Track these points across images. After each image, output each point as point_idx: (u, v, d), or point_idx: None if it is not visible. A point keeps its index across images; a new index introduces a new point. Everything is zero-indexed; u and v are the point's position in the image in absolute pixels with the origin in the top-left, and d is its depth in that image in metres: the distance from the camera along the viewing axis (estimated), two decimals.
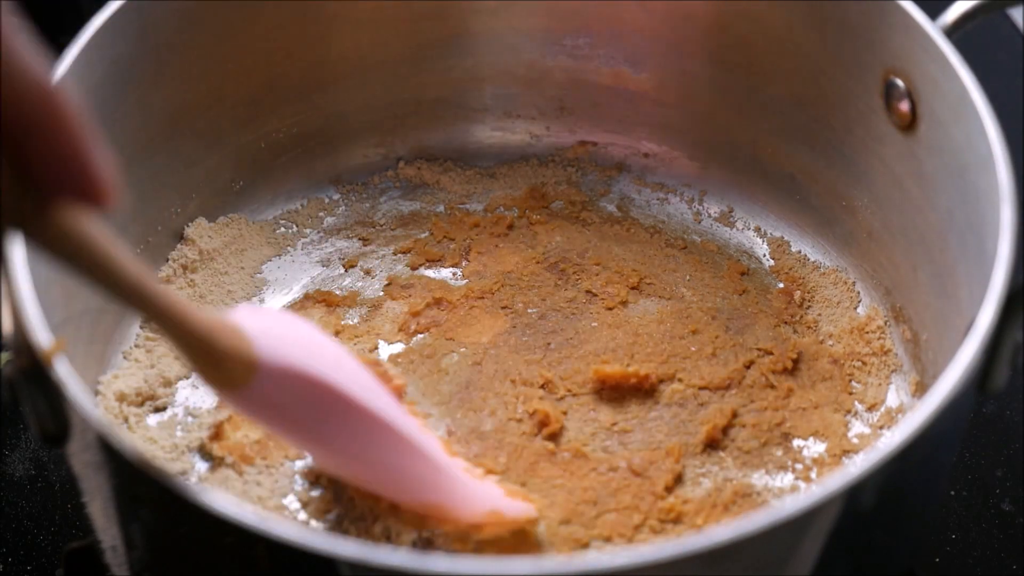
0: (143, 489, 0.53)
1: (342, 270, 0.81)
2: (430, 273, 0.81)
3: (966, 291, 0.64)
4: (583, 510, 0.68)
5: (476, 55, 0.85)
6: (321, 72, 0.82)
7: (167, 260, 0.79)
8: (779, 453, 0.71)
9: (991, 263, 0.58)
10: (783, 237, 0.83)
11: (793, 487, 0.69)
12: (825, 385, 0.74)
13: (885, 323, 0.77)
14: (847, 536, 0.54)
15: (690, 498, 0.68)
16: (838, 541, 0.53)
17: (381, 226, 0.84)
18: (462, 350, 0.76)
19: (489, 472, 0.69)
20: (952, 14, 0.68)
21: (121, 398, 0.71)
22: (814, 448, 0.71)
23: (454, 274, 0.81)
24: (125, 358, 0.74)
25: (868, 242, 0.78)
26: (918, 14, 0.69)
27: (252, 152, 0.83)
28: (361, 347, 0.76)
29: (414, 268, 0.81)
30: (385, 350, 0.76)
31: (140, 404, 0.72)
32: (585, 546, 0.66)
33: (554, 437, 0.71)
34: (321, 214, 0.84)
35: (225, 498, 0.50)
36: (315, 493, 0.68)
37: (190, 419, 0.72)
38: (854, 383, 0.75)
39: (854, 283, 0.80)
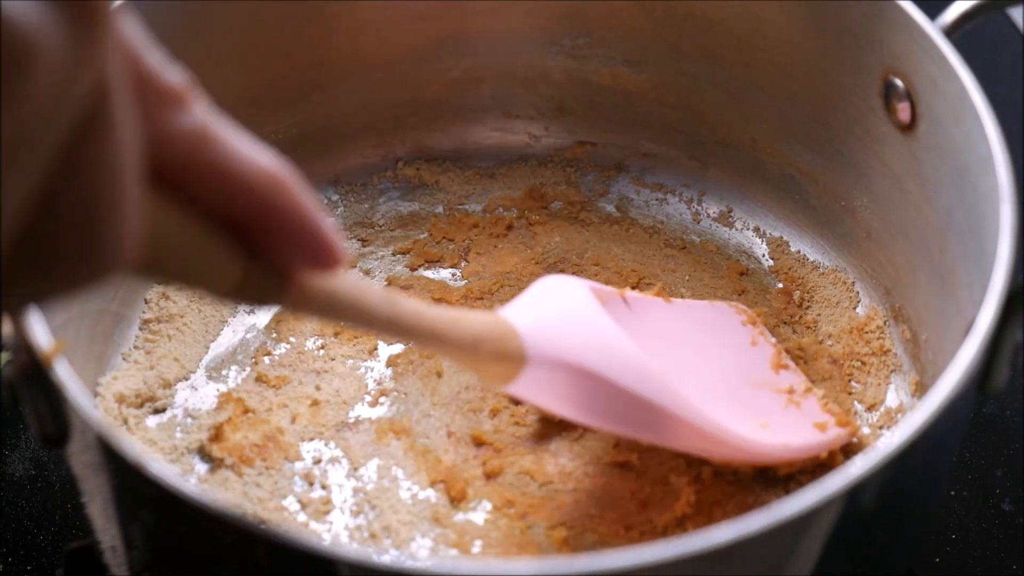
0: (143, 490, 0.53)
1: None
2: (429, 274, 0.81)
3: (966, 291, 0.64)
4: (583, 510, 0.68)
5: (475, 55, 0.85)
6: (320, 72, 0.82)
7: None
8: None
9: (991, 263, 0.58)
10: (782, 237, 0.83)
11: (793, 488, 0.69)
12: (824, 385, 0.74)
13: (884, 323, 0.77)
14: (847, 536, 0.54)
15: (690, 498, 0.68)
16: (838, 541, 0.53)
17: (380, 227, 0.84)
18: None
19: (488, 473, 0.69)
20: (952, 14, 0.68)
21: (120, 399, 0.71)
22: None
23: (453, 275, 0.81)
24: (124, 360, 0.74)
25: (867, 242, 0.78)
26: (917, 14, 0.69)
27: None
28: (360, 348, 0.76)
29: (413, 269, 0.81)
30: (384, 351, 0.76)
31: (139, 405, 0.72)
32: (585, 546, 0.66)
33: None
34: None
35: (225, 499, 0.50)
36: (315, 494, 0.69)
37: (189, 420, 0.72)
38: (853, 383, 0.75)
39: (853, 283, 0.80)
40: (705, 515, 0.67)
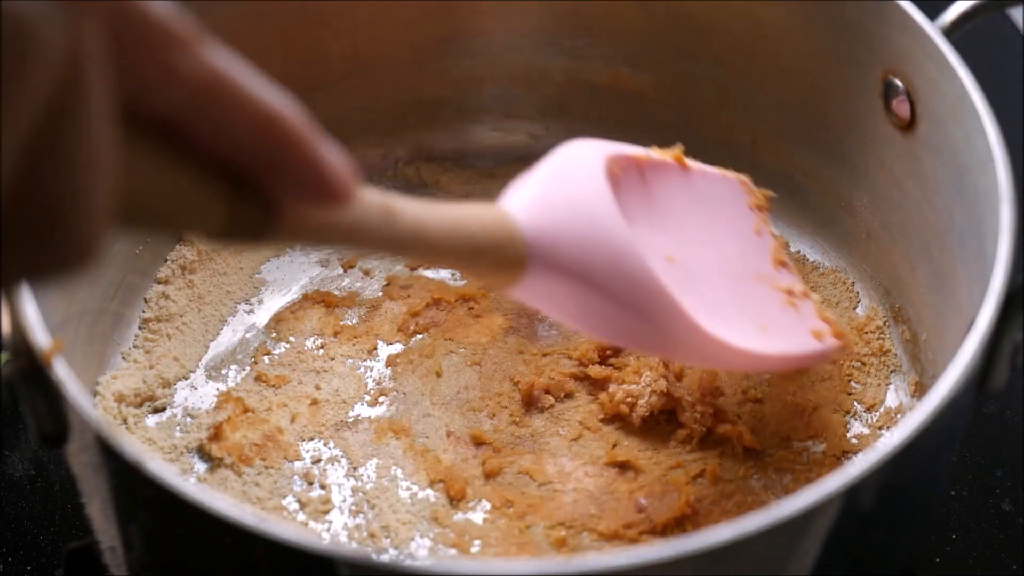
0: (142, 490, 0.53)
1: (341, 270, 0.81)
2: (429, 273, 0.81)
3: (965, 291, 0.64)
4: (582, 510, 0.68)
5: (475, 55, 0.85)
6: (321, 72, 0.82)
7: (166, 260, 0.79)
8: (779, 454, 0.71)
9: (991, 263, 0.58)
10: (782, 237, 0.83)
11: (792, 488, 0.69)
12: (824, 386, 0.74)
13: (884, 323, 0.77)
14: (847, 536, 0.54)
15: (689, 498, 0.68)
16: (838, 541, 0.53)
17: None
18: (461, 350, 0.76)
19: (488, 473, 0.69)
20: (951, 14, 0.68)
21: (120, 399, 0.71)
22: (813, 449, 0.71)
23: (453, 274, 0.81)
24: (124, 359, 0.74)
25: (867, 242, 0.78)
26: (917, 14, 0.69)
27: None
28: (360, 347, 0.76)
29: (413, 268, 0.81)
30: (384, 350, 0.76)
31: (139, 405, 0.72)
32: (584, 546, 0.66)
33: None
34: None
35: (224, 499, 0.50)
36: (314, 494, 0.69)
37: (189, 420, 0.72)
38: (853, 383, 0.75)
39: (853, 283, 0.80)
40: (704, 515, 0.67)
